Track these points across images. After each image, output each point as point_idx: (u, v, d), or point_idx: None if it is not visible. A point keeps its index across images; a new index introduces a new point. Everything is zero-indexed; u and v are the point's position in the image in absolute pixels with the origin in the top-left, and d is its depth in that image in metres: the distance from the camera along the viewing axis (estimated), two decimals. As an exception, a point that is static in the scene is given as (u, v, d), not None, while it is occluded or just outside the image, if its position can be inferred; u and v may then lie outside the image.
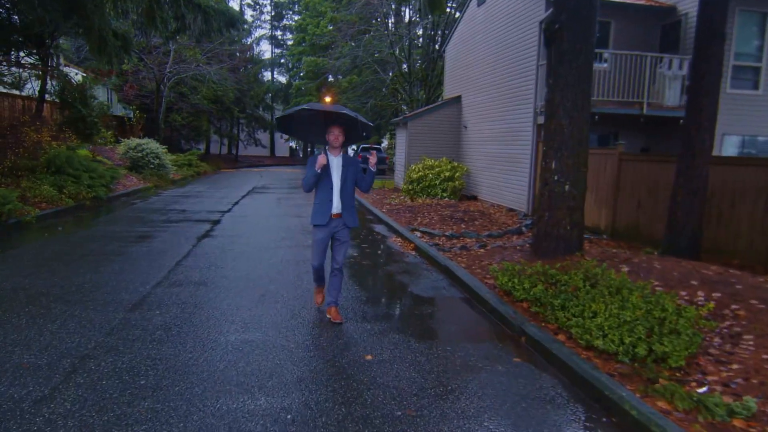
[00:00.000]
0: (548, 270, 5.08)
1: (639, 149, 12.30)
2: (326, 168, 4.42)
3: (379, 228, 10.12)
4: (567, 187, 6.02)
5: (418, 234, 8.94)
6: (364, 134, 4.60)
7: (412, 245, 8.12)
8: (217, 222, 9.93)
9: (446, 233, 9.03)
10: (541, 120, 11.43)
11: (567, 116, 5.96)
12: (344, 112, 4.24)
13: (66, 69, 26.19)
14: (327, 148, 4.56)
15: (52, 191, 10.40)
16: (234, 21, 13.86)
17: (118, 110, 29.64)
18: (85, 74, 29.58)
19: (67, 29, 14.15)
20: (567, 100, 5.95)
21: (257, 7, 50.91)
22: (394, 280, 6.15)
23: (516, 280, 4.96)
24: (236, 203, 13.21)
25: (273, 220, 10.52)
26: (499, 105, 13.54)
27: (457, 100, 16.74)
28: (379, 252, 7.86)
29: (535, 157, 11.62)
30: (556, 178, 6.06)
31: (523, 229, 9.71)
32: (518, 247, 7.91)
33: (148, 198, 13.88)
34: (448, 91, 17.96)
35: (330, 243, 4.59)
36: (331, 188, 4.44)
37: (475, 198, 15.02)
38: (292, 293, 5.37)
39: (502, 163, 13.31)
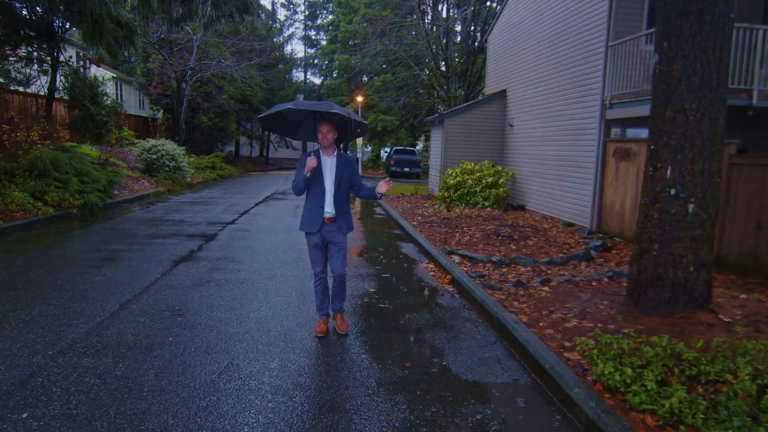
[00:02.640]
0: (682, 352, 3.00)
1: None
2: (317, 170, 3.99)
3: (408, 248, 8.15)
4: (692, 206, 3.91)
5: (457, 258, 6.93)
6: (359, 130, 4.22)
7: (448, 277, 6.12)
8: (211, 238, 8.21)
9: (493, 258, 6.99)
10: (610, 114, 9.23)
11: (694, 97, 3.85)
12: (335, 110, 3.75)
13: (93, 68, 25.57)
14: (319, 147, 4.09)
15: (26, 198, 8.95)
16: (247, 6, 12.23)
17: (148, 112, 28.88)
18: (115, 75, 29.06)
19: (68, 17, 12.94)
20: (694, 72, 3.84)
21: (291, 6, 49.90)
22: (423, 341, 4.18)
23: (628, 372, 2.90)
24: (246, 212, 11.52)
25: (280, 235, 8.72)
26: (554, 99, 11.36)
27: (502, 95, 14.61)
28: (404, 286, 5.90)
29: (603, 160, 9.41)
30: (673, 192, 3.96)
31: (593, 253, 7.55)
32: (593, 283, 5.80)
33: (151, 205, 12.40)
34: (491, 86, 15.84)
35: (326, 250, 4.18)
36: (323, 192, 4.03)
37: (522, 208, 12.85)
38: (261, 367, 3.49)
39: (557, 168, 11.12)
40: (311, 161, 3.86)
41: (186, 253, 6.96)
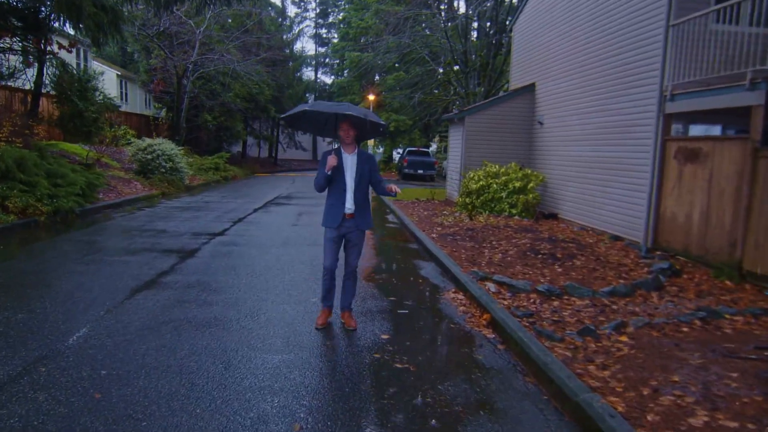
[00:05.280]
0: None
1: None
2: (339, 167, 4.09)
3: (428, 269, 6.67)
4: None
5: (492, 287, 5.44)
6: (381, 129, 4.37)
7: (486, 316, 4.63)
8: (190, 254, 6.80)
9: (538, 287, 5.49)
10: (671, 108, 7.69)
11: None
12: (350, 112, 3.92)
13: (96, 64, 24.47)
14: (340, 145, 4.23)
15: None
16: (246, -13, 10.84)
17: (153, 111, 27.66)
18: (119, 72, 27.97)
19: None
20: None
21: (301, 4, 48.69)
22: (464, 436, 2.71)
23: None
24: (241, 220, 10.13)
25: (274, 252, 7.29)
26: (594, 92, 9.82)
27: (529, 89, 13.07)
28: (427, 331, 4.42)
29: (661, 162, 7.86)
30: None
31: (661, 279, 6.01)
32: (684, 328, 4.30)
33: (138, 210, 11.07)
34: (516, 80, 14.30)
35: (343, 244, 4.28)
36: (344, 189, 4.13)
37: (554, 217, 11.31)
38: None
39: (599, 171, 9.57)
40: (332, 159, 4.00)
41: (152, 277, 5.56)
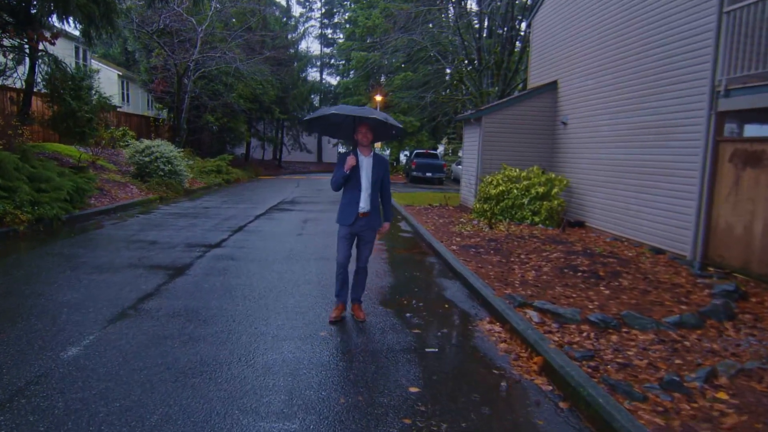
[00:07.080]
0: None
1: None
2: (355, 168, 4.30)
3: (453, 290, 5.78)
4: None
5: (535, 316, 4.55)
6: (393, 132, 4.60)
7: (537, 360, 3.74)
8: (180, 271, 5.95)
9: (589, 315, 4.60)
10: (725, 105, 6.81)
11: None
12: (374, 116, 4.19)
13: (96, 64, 23.78)
14: (357, 147, 4.37)
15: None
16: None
17: (156, 112, 26.93)
18: (120, 73, 27.28)
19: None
20: None
21: (307, 3, 47.97)
22: None
23: None
24: (241, 228, 9.28)
25: (277, 267, 6.42)
26: (629, 88, 8.92)
27: (551, 87, 12.18)
28: (465, 381, 3.54)
29: (712, 166, 6.95)
30: None
31: (732, 305, 5.11)
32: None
33: (131, 217, 10.25)
34: (536, 78, 13.41)
35: (355, 241, 4.46)
36: (360, 189, 4.33)
37: (581, 225, 10.40)
38: None
39: (636, 176, 8.67)
40: (351, 159, 4.22)
41: (132, 302, 4.71)
